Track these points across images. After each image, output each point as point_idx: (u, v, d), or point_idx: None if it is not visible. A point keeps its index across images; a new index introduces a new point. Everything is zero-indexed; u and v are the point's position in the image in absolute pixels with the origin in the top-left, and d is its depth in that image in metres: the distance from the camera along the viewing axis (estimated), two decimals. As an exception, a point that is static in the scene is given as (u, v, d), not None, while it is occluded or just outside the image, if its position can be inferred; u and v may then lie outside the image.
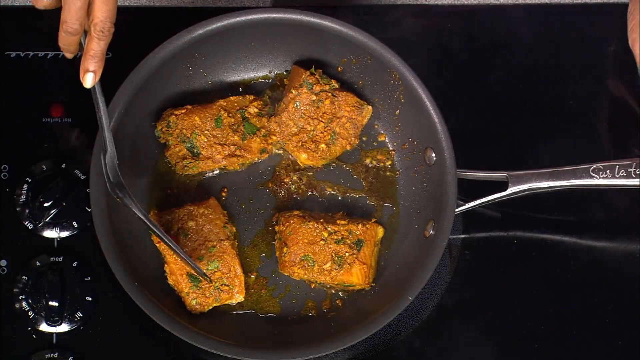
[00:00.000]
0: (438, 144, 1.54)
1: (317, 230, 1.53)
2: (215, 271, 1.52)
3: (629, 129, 1.68)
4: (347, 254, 1.52)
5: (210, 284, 1.51)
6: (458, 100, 1.68)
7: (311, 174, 1.63)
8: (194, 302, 1.52)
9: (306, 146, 1.61)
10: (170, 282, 1.53)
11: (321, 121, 1.60)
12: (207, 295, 1.52)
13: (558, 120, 1.69)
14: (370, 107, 1.62)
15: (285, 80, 1.67)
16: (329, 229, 1.53)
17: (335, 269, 1.53)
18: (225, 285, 1.52)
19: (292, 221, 1.54)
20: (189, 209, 1.54)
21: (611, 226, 1.63)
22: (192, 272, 1.50)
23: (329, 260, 1.53)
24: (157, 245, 1.53)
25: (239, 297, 1.54)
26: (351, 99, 1.60)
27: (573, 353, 1.57)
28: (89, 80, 1.39)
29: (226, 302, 1.54)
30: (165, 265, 1.53)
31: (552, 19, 1.75)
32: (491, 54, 1.72)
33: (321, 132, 1.61)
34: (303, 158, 1.62)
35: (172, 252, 1.51)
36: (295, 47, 1.63)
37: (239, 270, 1.53)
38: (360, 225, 1.54)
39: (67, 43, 1.36)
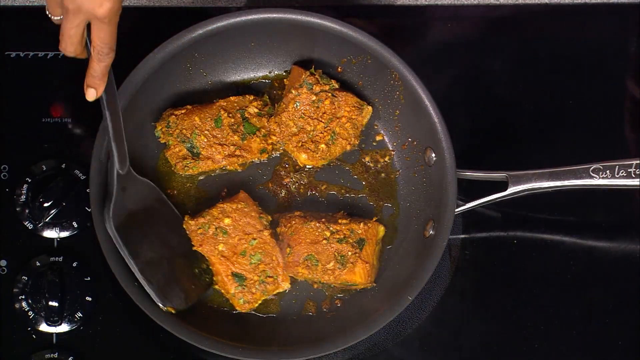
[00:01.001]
0: (438, 144, 1.54)
1: (319, 230, 1.53)
2: (258, 264, 1.52)
3: (633, 128, 1.69)
4: (349, 253, 1.52)
5: (255, 280, 1.51)
6: (458, 100, 1.68)
7: (311, 174, 1.63)
8: (241, 301, 1.51)
9: (306, 146, 1.61)
10: (217, 284, 1.53)
11: (321, 121, 1.60)
12: (254, 291, 1.52)
13: (558, 120, 1.69)
14: (370, 107, 1.62)
15: (285, 80, 1.67)
16: (331, 228, 1.53)
17: (339, 268, 1.53)
18: (269, 277, 1.52)
19: (293, 222, 1.54)
20: (221, 207, 1.53)
21: (611, 226, 1.63)
22: (237, 271, 1.51)
23: (332, 259, 1.52)
24: (199, 249, 1.52)
25: (285, 285, 1.54)
26: (351, 99, 1.60)
27: (573, 353, 1.57)
28: (90, 95, 1.40)
29: (274, 293, 1.54)
30: (210, 266, 1.53)
31: (551, 19, 1.75)
32: (491, 54, 1.72)
33: (321, 132, 1.60)
34: (303, 158, 1.62)
35: (216, 253, 1.51)
36: (295, 47, 1.63)
37: (280, 259, 1.53)
38: (361, 224, 1.54)
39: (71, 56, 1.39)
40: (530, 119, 1.68)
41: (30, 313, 1.53)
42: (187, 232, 1.53)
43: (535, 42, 1.73)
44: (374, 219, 1.57)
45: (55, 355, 1.52)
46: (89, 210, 1.51)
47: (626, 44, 1.74)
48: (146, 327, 1.51)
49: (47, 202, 1.55)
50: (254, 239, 1.52)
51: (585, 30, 1.74)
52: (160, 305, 1.47)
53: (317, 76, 1.60)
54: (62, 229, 1.57)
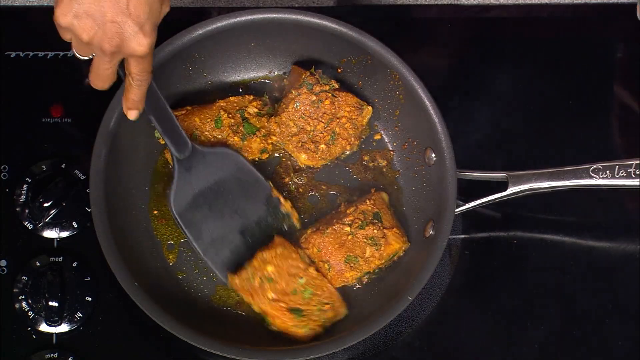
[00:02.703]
0: (438, 144, 1.54)
1: (339, 231, 1.53)
2: (312, 297, 1.51)
3: (631, 129, 1.69)
4: (375, 231, 1.53)
5: (313, 309, 1.51)
6: (458, 100, 1.68)
7: (311, 174, 1.63)
8: (303, 330, 1.50)
9: (306, 146, 1.61)
10: (276, 326, 1.51)
11: (321, 121, 1.60)
12: (315, 319, 1.50)
13: (558, 121, 1.69)
14: (370, 108, 1.62)
15: (285, 80, 1.67)
16: (346, 221, 1.53)
17: (377, 250, 1.53)
18: (326, 304, 1.51)
19: (312, 239, 1.54)
20: (260, 256, 1.52)
21: (611, 226, 1.63)
22: (293, 306, 1.50)
23: (366, 246, 1.53)
24: (251, 301, 1.51)
25: (342, 311, 1.53)
26: (351, 99, 1.60)
27: (573, 353, 1.57)
28: (133, 115, 1.41)
29: (335, 320, 1.52)
30: (267, 316, 1.51)
31: (553, 18, 1.75)
32: (491, 54, 1.72)
33: (321, 133, 1.61)
34: (303, 158, 1.62)
35: (266, 301, 1.49)
36: (295, 47, 1.63)
37: (331, 288, 1.53)
38: (367, 201, 1.55)
39: None
40: (530, 119, 1.68)
41: (30, 313, 1.53)
42: (234, 290, 1.53)
43: (535, 41, 1.73)
44: (373, 190, 1.58)
45: (55, 355, 1.51)
46: (89, 210, 1.50)
47: (629, 45, 1.74)
48: (146, 327, 1.51)
49: (47, 202, 1.55)
50: (301, 278, 1.52)
51: (586, 30, 1.74)
52: (226, 283, 1.54)
53: (317, 76, 1.60)
54: (62, 229, 1.57)
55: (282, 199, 1.58)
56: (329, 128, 1.60)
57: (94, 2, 1.23)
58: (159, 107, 1.46)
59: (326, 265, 1.53)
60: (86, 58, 1.32)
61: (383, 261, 1.54)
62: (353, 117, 1.60)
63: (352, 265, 1.53)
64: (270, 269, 1.51)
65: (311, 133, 1.60)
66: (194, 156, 1.52)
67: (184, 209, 1.53)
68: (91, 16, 1.24)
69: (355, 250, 1.53)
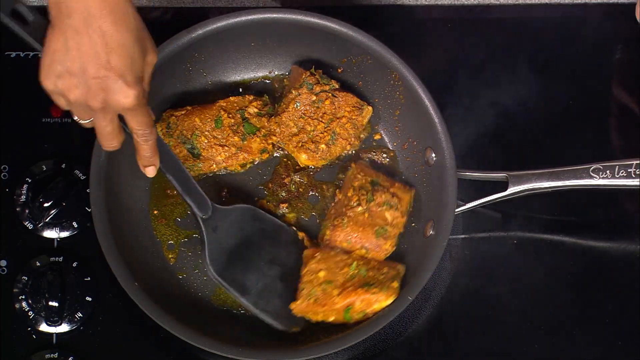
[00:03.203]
0: (438, 144, 1.54)
1: (354, 216, 1.54)
2: (368, 272, 1.51)
3: (630, 131, 1.69)
4: (383, 195, 1.54)
5: (378, 276, 1.51)
6: (458, 100, 1.68)
7: (311, 174, 1.63)
8: (382, 292, 1.49)
9: (306, 146, 1.61)
10: (360, 311, 1.50)
11: (321, 121, 1.60)
12: (383, 280, 1.50)
13: (558, 121, 1.69)
14: (370, 108, 1.62)
15: (285, 80, 1.67)
16: (353, 204, 1.54)
17: (396, 210, 1.54)
18: (385, 271, 1.52)
19: (335, 237, 1.54)
20: (307, 270, 1.52)
21: (611, 226, 1.63)
22: (360, 283, 1.50)
23: (385, 212, 1.54)
24: (326, 310, 1.50)
25: (401, 267, 1.53)
26: (351, 99, 1.60)
27: (573, 353, 1.57)
28: (151, 172, 1.41)
29: (401, 275, 1.52)
30: (344, 314, 1.51)
31: (554, 18, 1.75)
32: (491, 54, 1.72)
33: (321, 133, 1.61)
34: (303, 158, 1.62)
35: (336, 299, 1.49)
36: (295, 47, 1.64)
37: (378, 257, 1.54)
38: (357, 176, 1.56)
39: None
40: (530, 119, 1.68)
41: (30, 313, 1.53)
42: (305, 316, 1.52)
43: (535, 41, 1.73)
44: (353, 164, 1.59)
45: (55, 355, 1.52)
46: (89, 210, 1.51)
47: (628, 45, 1.74)
48: (146, 327, 1.51)
49: (47, 202, 1.55)
50: (351, 264, 1.52)
51: (586, 30, 1.74)
52: (286, 329, 1.52)
53: (317, 76, 1.60)
54: (62, 229, 1.57)
55: (306, 239, 1.58)
56: (329, 128, 1.60)
57: (74, 60, 1.22)
58: (175, 166, 1.46)
59: (364, 250, 1.54)
60: (87, 121, 1.32)
61: (405, 216, 1.55)
62: (353, 117, 1.60)
63: (384, 236, 1.53)
64: (322, 274, 1.51)
65: (311, 133, 1.61)
66: (216, 216, 1.52)
67: (222, 268, 1.53)
68: (73, 74, 1.23)
69: (378, 222, 1.53)
